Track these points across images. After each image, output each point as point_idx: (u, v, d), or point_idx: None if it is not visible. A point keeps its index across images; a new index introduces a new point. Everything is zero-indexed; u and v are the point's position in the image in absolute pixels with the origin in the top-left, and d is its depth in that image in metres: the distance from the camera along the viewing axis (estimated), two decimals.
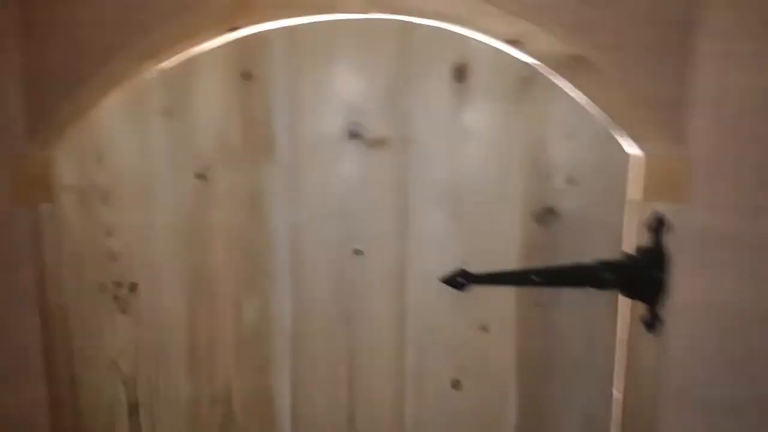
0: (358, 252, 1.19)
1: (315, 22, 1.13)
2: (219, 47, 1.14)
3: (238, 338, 1.23)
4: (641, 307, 1.14)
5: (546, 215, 1.15)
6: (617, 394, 1.21)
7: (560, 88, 1.12)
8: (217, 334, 1.23)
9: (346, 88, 1.15)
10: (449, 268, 1.19)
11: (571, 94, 1.12)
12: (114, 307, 1.20)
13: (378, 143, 1.15)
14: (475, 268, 1.18)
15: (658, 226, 1.09)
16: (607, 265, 1.14)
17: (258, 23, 1.13)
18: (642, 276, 1.12)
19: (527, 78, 1.11)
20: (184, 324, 1.22)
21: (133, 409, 1.22)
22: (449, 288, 1.19)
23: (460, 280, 1.18)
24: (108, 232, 1.17)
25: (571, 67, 1.09)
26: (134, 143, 1.16)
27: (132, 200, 1.17)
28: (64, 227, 1.16)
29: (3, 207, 1.13)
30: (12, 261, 1.15)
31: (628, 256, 1.13)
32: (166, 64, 1.15)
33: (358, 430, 1.26)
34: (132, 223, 1.18)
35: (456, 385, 1.23)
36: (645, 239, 1.11)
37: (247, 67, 1.14)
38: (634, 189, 1.11)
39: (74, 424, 1.21)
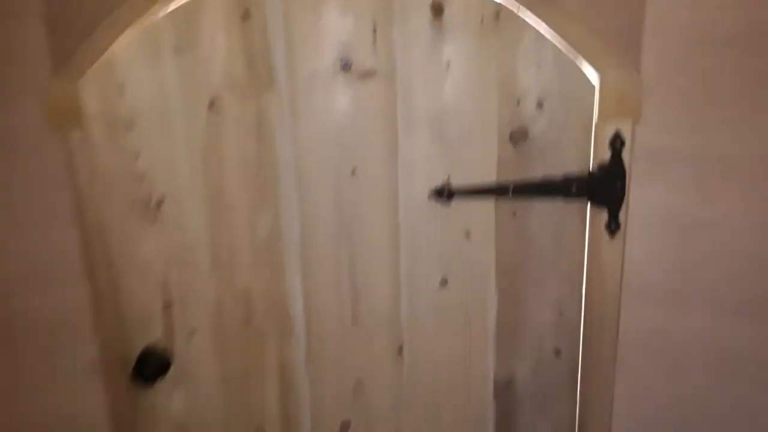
0: (354, 172, 1.31)
1: None
2: None
3: (254, 247, 1.33)
4: (603, 215, 1.26)
5: (519, 136, 1.27)
6: (584, 290, 1.36)
7: (527, 22, 1.20)
8: (235, 244, 1.32)
9: (336, 25, 1.22)
10: (435, 184, 1.30)
11: (537, 27, 1.20)
12: (144, 220, 1.28)
13: (367, 75, 1.25)
14: (457, 183, 1.30)
15: (616, 143, 1.20)
16: (573, 178, 1.27)
17: None
18: (603, 188, 1.23)
19: (497, 13, 1.20)
20: (206, 235, 1.31)
21: (167, 307, 1.33)
22: (436, 201, 1.32)
23: (445, 194, 1.31)
24: (134, 156, 1.25)
25: (537, 3, 1.17)
26: (151, 77, 1.22)
27: (153, 128, 1.24)
28: (94, 152, 1.23)
29: (38, 134, 1.21)
30: (50, 182, 1.23)
31: (591, 171, 1.26)
32: (175, 4, 1.21)
33: (361, 326, 1.39)
34: (155, 147, 1.25)
35: (444, 284, 1.37)
36: (605, 155, 1.22)
37: (246, 7, 1.22)
38: (595, 111, 1.22)
39: (114, 320, 1.32)
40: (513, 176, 1.29)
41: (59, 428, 1.33)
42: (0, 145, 1.20)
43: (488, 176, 1.29)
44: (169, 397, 1.38)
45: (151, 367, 1.33)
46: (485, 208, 1.32)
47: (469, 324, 1.40)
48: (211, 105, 1.26)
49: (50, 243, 1.26)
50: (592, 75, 1.20)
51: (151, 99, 1.24)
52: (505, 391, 1.43)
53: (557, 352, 1.40)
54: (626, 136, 1.19)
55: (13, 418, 1.30)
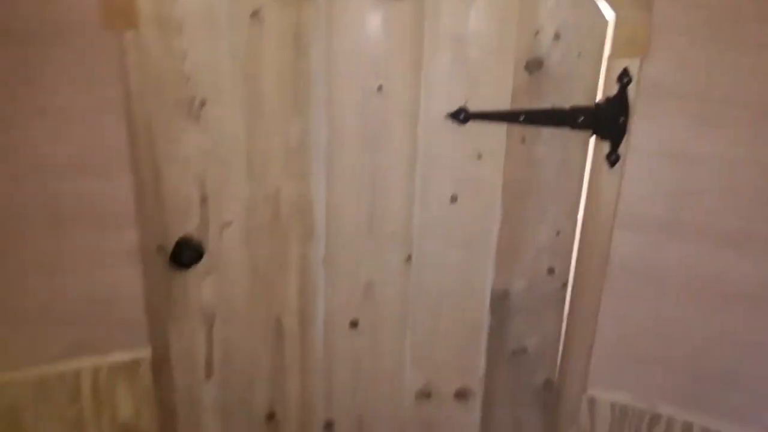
0: (380, 88, 1.41)
1: None
2: None
3: (285, 151, 1.43)
4: (605, 146, 1.36)
5: (534, 66, 1.36)
6: (581, 215, 1.48)
7: None
8: (268, 147, 1.42)
9: None
10: (453, 106, 1.40)
11: None
12: (188, 118, 1.37)
13: None
14: (473, 107, 1.40)
15: (623, 79, 1.30)
16: (580, 110, 1.37)
17: None
18: (608, 120, 1.33)
19: None
20: (243, 136, 1.40)
21: (203, 201, 1.44)
22: (452, 122, 1.42)
23: (461, 116, 1.42)
24: (182, 57, 1.32)
25: None
26: None
27: (201, 32, 1.32)
28: (145, 51, 1.31)
29: (94, 32, 1.27)
30: (103, 78, 1.31)
31: (598, 103, 1.36)
32: None
33: (376, 232, 1.52)
34: (201, 51, 1.33)
35: (453, 200, 1.49)
36: (612, 90, 1.31)
37: None
38: (606, 46, 1.30)
39: (154, 210, 1.43)
40: (525, 103, 1.38)
41: (99, 306, 1.47)
42: (59, 41, 1.28)
43: (502, 102, 1.39)
44: (200, 284, 1.52)
45: (187, 255, 1.47)
46: (497, 132, 1.42)
47: (474, 239, 1.53)
48: (254, 13, 1.33)
49: (101, 135, 1.36)
50: (608, 11, 1.29)
51: (200, 3, 1.31)
52: (500, 302, 1.58)
53: (551, 270, 1.54)
54: (633, 72, 1.29)
55: (57, 294, 1.43)
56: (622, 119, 1.33)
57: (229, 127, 1.41)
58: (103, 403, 1.52)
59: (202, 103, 1.38)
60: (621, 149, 1.36)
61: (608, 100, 1.33)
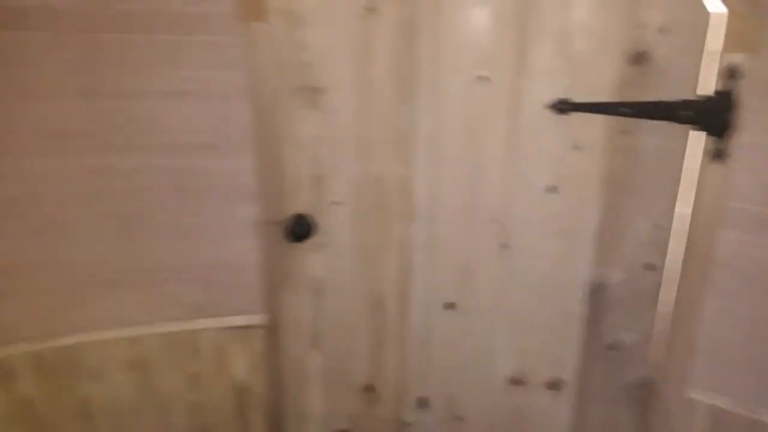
0: (483, 78, 1.47)
1: None
2: None
3: (393, 136, 1.52)
4: (711, 142, 1.34)
5: (639, 58, 1.37)
6: (683, 210, 1.46)
7: None
8: (377, 131, 1.52)
9: None
10: (554, 96, 1.43)
11: None
12: (306, 104, 1.49)
13: None
14: (575, 98, 1.42)
15: (732, 73, 1.27)
16: (686, 104, 1.35)
17: None
18: (715, 116, 1.31)
19: None
20: (354, 121, 1.51)
21: (317, 180, 1.56)
22: (554, 112, 1.45)
23: (563, 106, 1.45)
24: (304, 47, 1.45)
25: None
26: None
27: (321, 24, 1.43)
28: (272, 41, 1.43)
29: (230, 23, 1.41)
30: (235, 65, 1.45)
31: (706, 97, 1.34)
32: None
33: (474, 218, 1.57)
34: (320, 41, 1.44)
35: (551, 190, 1.51)
36: (720, 85, 1.29)
37: None
38: (715, 41, 1.28)
39: (273, 187, 1.55)
40: (628, 96, 1.39)
41: (221, 272, 1.61)
42: (195, 28, 1.43)
43: (604, 94, 1.40)
44: (310, 257, 1.65)
45: (301, 230, 1.60)
46: (598, 123, 1.43)
47: (571, 230, 1.54)
48: (369, 6, 1.43)
49: (230, 117, 1.50)
50: (718, 6, 1.27)
51: None
52: (597, 294, 1.59)
53: (648, 265, 1.52)
54: (743, 68, 1.26)
55: (186, 259, 1.59)
56: (730, 114, 1.30)
57: (343, 113, 1.52)
58: (219, 363, 1.67)
59: (320, 91, 1.50)
60: (728, 145, 1.33)
61: (716, 95, 1.31)
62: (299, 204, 1.59)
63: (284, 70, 1.47)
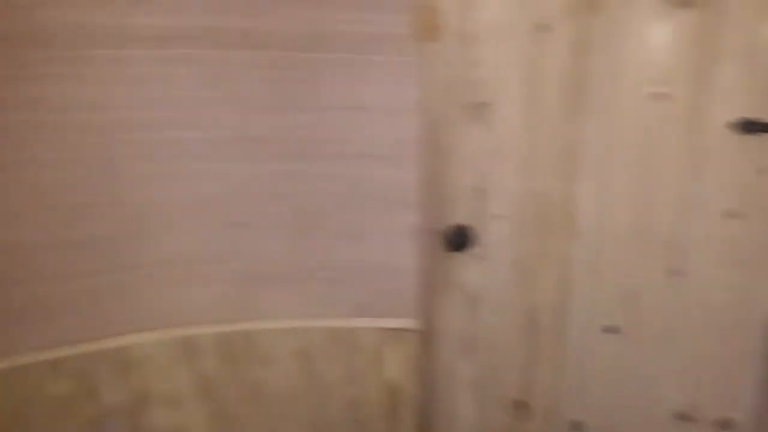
0: (660, 95, 1.40)
1: None
2: None
3: (559, 152, 1.51)
4: None
5: None
6: None
7: None
8: (543, 147, 1.52)
9: None
10: (739, 116, 1.34)
11: None
12: (472, 119, 1.53)
13: (685, 4, 1.32)
14: (765, 118, 1.32)
15: None
16: None
17: None
18: None
19: None
20: (519, 137, 1.52)
21: (480, 193, 1.58)
22: (738, 133, 1.35)
23: (749, 127, 1.34)
24: (475, 65, 1.49)
25: None
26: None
27: (493, 42, 1.46)
28: (445, 60, 1.49)
29: (403, 43, 1.49)
30: (405, 82, 1.52)
31: None
32: None
33: (642, 240, 1.51)
34: (492, 59, 1.48)
35: (733, 215, 1.41)
36: None
37: None
38: None
39: (434, 197, 1.60)
40: None
41: (381, 273, 1.69)
42: (373, 49, 1.52)
43: None
44: (468, 267, 1.67)
45: (461, 240, 1.63)
46: None
47: (753, 259, 1.43)
48: (542, 24, 1.44)
49: (397, 129, 1.57)
50: None
51: (495, 18, 1.46)
52: None
53: None
54: None
55: (348, 259, 1.69)
56: None
57: (509, 129, 1.53)
58: (375, 361, 1.74)
59: (488, 106, 1.52)
60: None
61: None
62: (460, 215, 1.62)
63: (455, 86, 1.52)
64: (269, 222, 1.66)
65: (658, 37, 1.38)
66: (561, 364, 1.69)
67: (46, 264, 1.53)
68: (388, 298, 1.72)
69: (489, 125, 1.54)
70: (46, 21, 1.41)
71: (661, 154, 1.45)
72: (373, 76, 1.55)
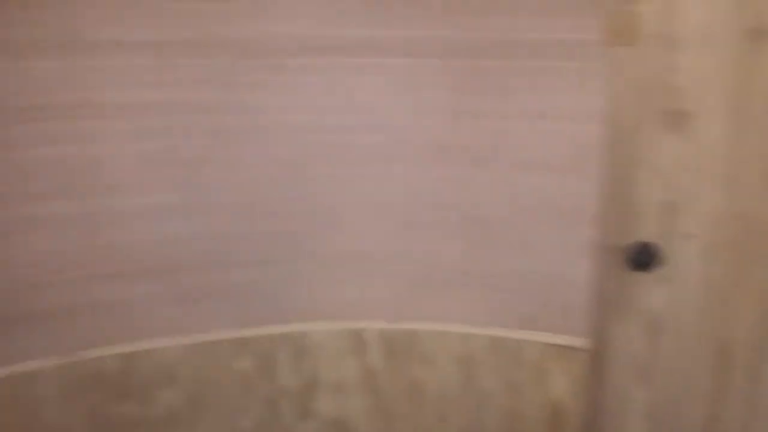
0: None
1: None
2: None
3: (766, 170, 1.38)
4: None
5: None
6: None
7: None
8: (748, 163, 1.39)
9: None
10: None
11: None
12: (668, 128, 1.43)
13: None
14: None
15: None
16: None
17: None
18: None
19: None
20: (722, 151, 1.40)
21: (671, 209, 1.47)
22: None
23: None
24: (675, 71, 1.39)
25: None
26: (702, 1, 1.34)
27: (697, 47, 1.36)
28: (639, 65, 1.41)
29: (589, 48, 1.46)
30: (590, 88, 1.48)
31: None
32: None
33: None
34: (696, 64, 1.37)
35: None
36: None
37: None
38: None
39: (617, 211, 1.51)
40: None
41: (551, 287, 1.65)
42: (557, 55, 1.50)
43: None
44: (651, 289, 1.56)
45: (645, 259, 1.52)
46: None
47: None
48: (759, 28, 1.31)
49: (576, 139, 1.54)
50: None
51: (701, 21, 1.36)
52: None
53: None
54: None
55: (518, 269, 1.66)
56: None
57: (710, 141, 1.42)
58: (538, 376, 1.70)
59: (687, 115, 1.42)
60: None
61: None
62: (645, 231, 1.53)
63: (650, 92, 1.44)
64: (443, 226, 1.68)
65: None
66: (754, 404, 1.52)
67: (241, 251, 1.68)
68: (557, 313, 1.68)
69: (686, 135, 1.43)
70: (258, 33, 1.55)
71: None
72: (557, 83, 1.54)
